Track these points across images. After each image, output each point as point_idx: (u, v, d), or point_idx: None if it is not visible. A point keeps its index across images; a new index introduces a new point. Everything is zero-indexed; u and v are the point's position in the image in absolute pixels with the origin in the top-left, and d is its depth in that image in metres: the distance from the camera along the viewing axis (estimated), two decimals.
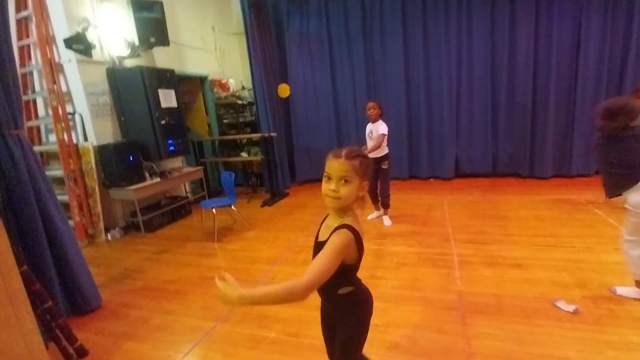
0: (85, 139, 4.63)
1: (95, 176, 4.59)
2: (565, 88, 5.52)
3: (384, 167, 4.23)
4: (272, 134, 6.08)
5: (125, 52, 4.95)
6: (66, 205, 4.40)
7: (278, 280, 3.14)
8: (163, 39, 5.00)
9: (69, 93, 4.54)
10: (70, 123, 4.55)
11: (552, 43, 5.41)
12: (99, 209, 4.63)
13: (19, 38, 4.43)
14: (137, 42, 4.89)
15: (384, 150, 4.18)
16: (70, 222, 4.25)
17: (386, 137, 4.08)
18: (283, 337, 2.35)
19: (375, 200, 4.43)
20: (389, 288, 2.83)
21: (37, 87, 4.65)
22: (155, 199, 5.29)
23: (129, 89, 4.80)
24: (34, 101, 4.73)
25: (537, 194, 5.06)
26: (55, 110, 4.32)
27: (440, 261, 3.22)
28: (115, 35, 4.84)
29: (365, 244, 1.25)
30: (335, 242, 1.12)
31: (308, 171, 6.91)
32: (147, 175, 4.89)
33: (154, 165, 4.99)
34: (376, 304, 1.41)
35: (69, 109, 4.54)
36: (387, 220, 4.36)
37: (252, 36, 5.88)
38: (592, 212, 4.12)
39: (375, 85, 6.37)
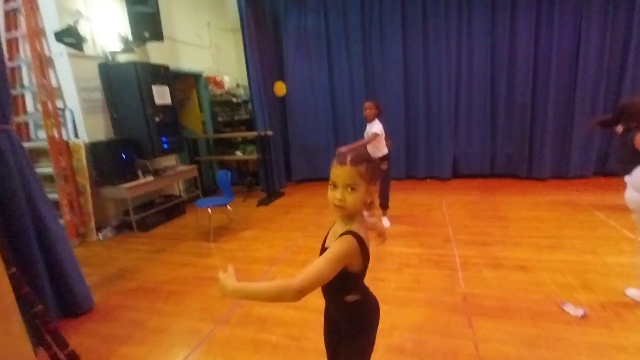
0: (76, 135, 4.49)
1: (86, 174, 4.45)
2: (565, 89, 5.52)
3: (383, 167, 4.16)
4: (268, 132, 5.99)
5: (118, 47, 4.81)
6: (56, 204, 4.28)
7: None
8: (157, 34, 4.87)
9: (59, 88, 4.40)
10: (61, 119, 4.41)
11: (552, 44, 5.41)
12: (91, 207, 4.50)
13: (7, 30, 4.28)
14: (130, 37, 4.76)
15: (383, 151, 4.10)
16: (61, 221, 4.13)
17: (383, 137, 4.03)
18: (285, 341, 2.27)
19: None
20: (391, 290, 2.77)
21: (26, 82, 4.51)
22: (148, 198, 5.16)
23: (122, 84, 4.67)
24: (23, 96, 4.58)
25: (536, 195, 5.04)
26: (45, 105, 4.19)
27: (442, 262, 3.17)
28: (108, 29, 4.71)
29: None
30: (337, 249, 1.07)
31: (304, 170, 6.84)
32: (140, 173, 4.77)
33: (147, 163, 4.87)
34: (380, 307, 1.35)
35: (59, 104, 4.40)
36: (385, 221, 4.31)
37: (249, 32, 5.78)
38: (593, 214, 4.10)
39: (374, 83, 6.31)
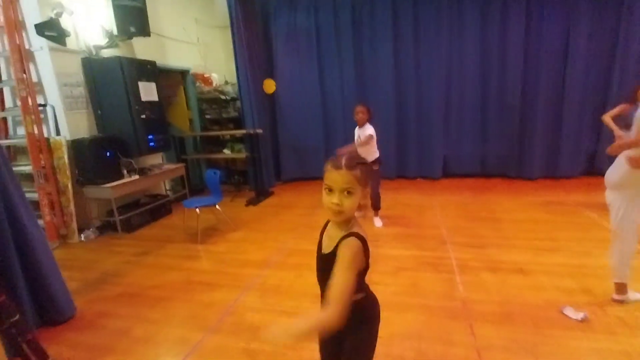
0: (58, 132, 4.29)
1: (68, 173, 4.26)
2: (554, 90, 5.56)
3: (375, 168, 4.12)
4: (257, 130, 5.85)
5: (102, 41, 4.63)
6: (36, 204, 4.08)
7: (269, 286, 2.97)
8: (143, 29, 4.72)
9: (40, 83, 4.22)
10: (41, 115, 4.22)
11: (541, 46, 5.44)
12: (72, 207, 4.31)
13: None
14: (115, 32, 4.59)
15: (375, 154, 4.09)
16: (40, 222, 3.95)
17: (375, 140, 4.00)
18: (280, 350, 2.16)
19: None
20: (389, 295, 2.68)
21: (5, 76, 4.31)
22: (133, 198, 4.99)
23: (107, 80, 4.49)
24: (1, 91, 4.39)
25: (527, 195, 5.04)
26: (24, 101, 4.00)
27: (439, 266, 3.10)
28: (92, 23, 4.53)
29: None
30: (347, 255, 1.09)
31: (294, 169, 6.73)
32: (125, 172, 4.59)
33: (132, 161, 4.70)
34: None
35: (39, 100, 4.21)
36: (377, 221, 4.25)
37: (238, 29, 5.64)
38: (585, 215, 4.10)
39: (364, 82, 6.24)
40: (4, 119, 4.47)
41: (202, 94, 6.62)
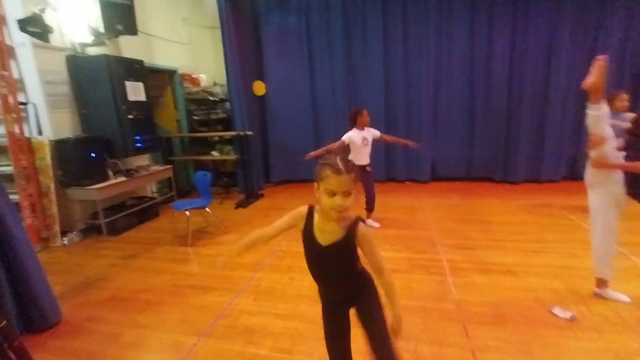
0: (40, 132, 4.17)
1: (51, 174, 4.14)
2: (538, 96, 5.71)
3: (369, 169, 4.16)
4: (247, 132, 5.81)
5: (88, 39, 4.52)
6: (16, 206, 3.93)
7: (263, 288, 2.95)
8: (131, 28, 4.61)
9: (21, 81, 4.08)
10: (23, 114, 4.09)
11: (526, 52, 5.58)
12: (55, 209, 4.19)
13: None
14: (102, 29, 4.48)
15: (367, 159, 4.14)
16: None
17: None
18: (276, 355, 2.14)
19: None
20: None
21: None
22: (119, 199, 4.88)
23: (93, 79, 4.39)
24: None
25: (514, 198, 5.15)
26: (4, 99, 3.87)
27: (431, 267, 3.13)
28: (77, 19, 4.41)
29: None
30: (374, 237, 1.36)
31: (284, 171, 6.70)
32: (110, 173, 4.49)
33: (118, 162, 4.60)
34: None
35: (21, 98, 4.07)
36: (374, 223, 4.29)
37: (228, 29, 5.59)
38: (568, 218, 4.21)
39: (355, 85, 6.28)
40: None
41: (190, 94, 6.53)
